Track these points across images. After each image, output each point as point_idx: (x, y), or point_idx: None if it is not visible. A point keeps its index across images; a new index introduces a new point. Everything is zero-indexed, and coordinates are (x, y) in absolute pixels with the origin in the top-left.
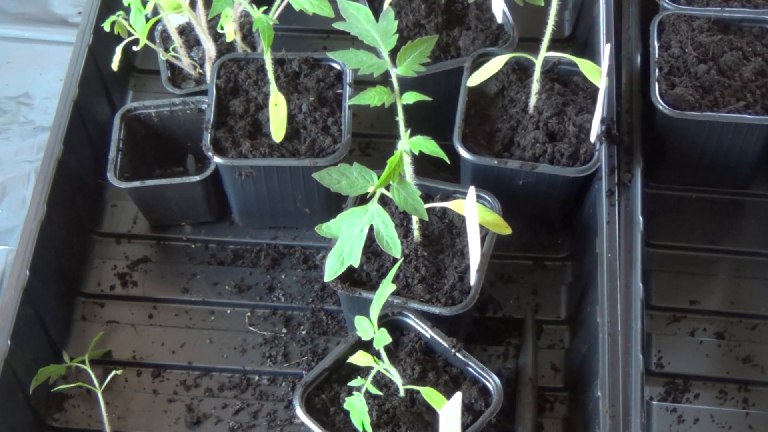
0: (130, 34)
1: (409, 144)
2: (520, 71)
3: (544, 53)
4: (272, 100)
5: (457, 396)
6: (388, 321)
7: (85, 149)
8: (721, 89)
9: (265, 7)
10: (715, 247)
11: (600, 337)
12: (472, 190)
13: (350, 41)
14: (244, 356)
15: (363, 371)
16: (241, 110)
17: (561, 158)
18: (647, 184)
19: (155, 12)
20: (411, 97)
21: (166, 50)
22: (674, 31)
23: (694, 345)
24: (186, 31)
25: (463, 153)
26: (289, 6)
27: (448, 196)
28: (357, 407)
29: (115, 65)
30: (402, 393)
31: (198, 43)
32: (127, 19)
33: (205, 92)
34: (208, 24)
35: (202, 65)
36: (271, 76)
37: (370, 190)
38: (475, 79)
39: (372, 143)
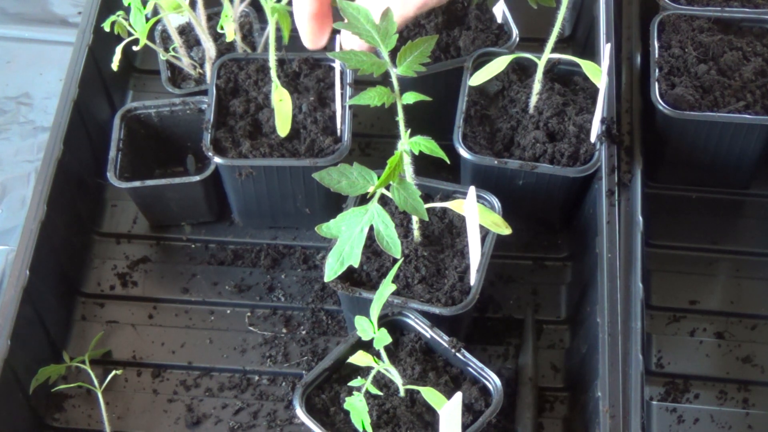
0: (130, 34)
1: (409, 144)
2: (520, 71)
3: (548, 54)
4: (276, 96)
5: (458, 396)
6: (388, 321)
7: (85, 149)
8: (721, 89)
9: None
10: (715, 247)
11: (600, 337)
12: (472, 190)
13: None
14: (244, 356)
15: (363, 371)
16: (241, 110)
17: (561, 158)
18: (647, 184)
19: (155, 12)
20: (411, 97)
21: (166, 50)
22: (674, 30)
23: (694, 345)
24: (186, 31)
25: (463, 153)
26: (288, 5)
27: (448, 196)
28: (357, 407)
29: (115, 65)
30: (402, 393)
31: (198, 43)
32: (127, 19)
33: (205, 92)
34: (208, 24)
35: (202, 65)
36: (273, 70)
37: (370, 190)
38: (478, 78)
39: (372, 143)
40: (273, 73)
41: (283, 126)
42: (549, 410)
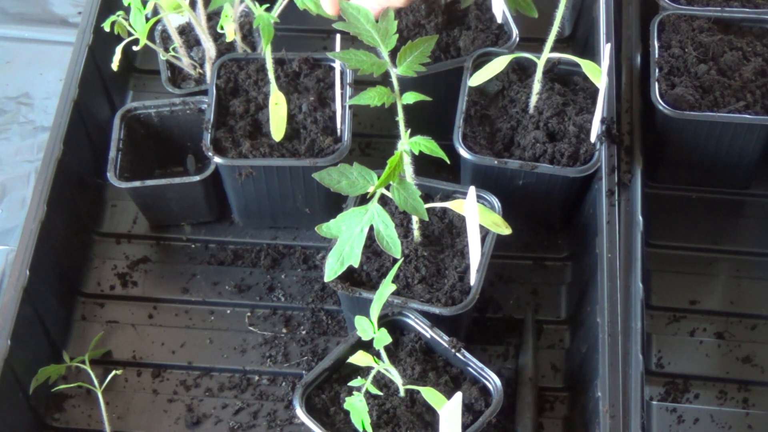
0: (130, 34)
1: (409, 144)
2: (520, 71)
3: (547, 53)
4: (272, 99)
5: (458, 396)
6: (388, 321)
7: (85, 149)
8: (721, 89)
9: (266, 6)
10: (715, 247)
11: (600, 337)
12: (472, 190)
13: (350, 41)
14: (244, 356)
15: (363, 371)
16: (241, 110)
17: (561, 158)
18: (647, 184)
19: (155, 12)
20: (411, 97)
21: (166, 50)
22: (674, 30)
23: (694, 345)
24: (186, 31)
25: (463, 153)
26: (289, 6)
27: (448, 196)
28: (357, 407)
29: (115, 65)
30: (402, 393)
31: (198, 43)
32: (127, 19)
33: (205, 92)
34: (208, 24)
35: (202, 65)
36: (271, 75)
37: (370, 190)
38: (478, 78)
39: (372, 143)
40: (270, 75)
41: (277, 130)
42: (549, 410)
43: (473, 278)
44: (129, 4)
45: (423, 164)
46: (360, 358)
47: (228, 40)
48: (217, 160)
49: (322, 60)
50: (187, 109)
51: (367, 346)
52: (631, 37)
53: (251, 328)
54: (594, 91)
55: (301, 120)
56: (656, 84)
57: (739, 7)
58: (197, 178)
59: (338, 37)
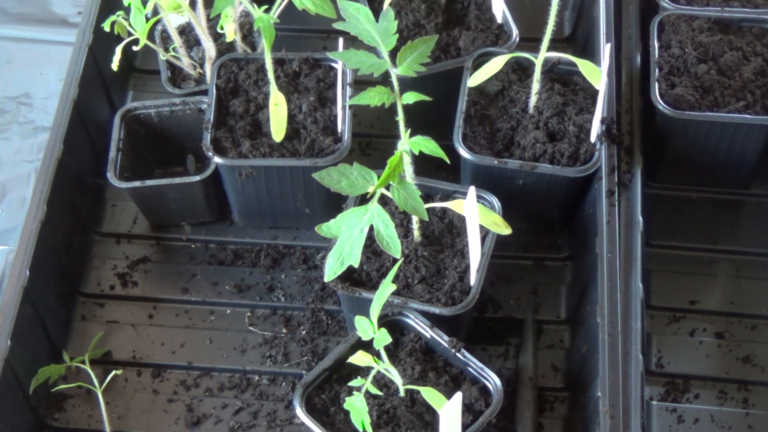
0: (130, 34)
1: (409, 144)
2: (520, 71)
3: (544, 53)
4: (272, 100)
5: (458, 396)
6: (388, 321)
7: (85, 149)
8: (721, 89)
9: (265, 6)
10: (715, 247)
11: (600, 337)
12: (472, 190)
13: (350, 41)
14: (244, 356)
15: (363, 371)
16: (241, 110)
17: (561, 158)
18: (647, 184)
19: (155, 12)
20: (411, 97)
21: (166, 50)
22: (674, 31)
23: (694, 345)
24: (186, 31)
25: (463, 153)
26: (289, 6)
27: (448, 196)
28: (357, 407)
29: (115, 65)
30: (402, 393)
31: (198, 43)
32: (127, 19)
33: (205, 92)
34: (208, 24)
35: (202, 65)
36: (271, 75)
37: (370, 190)
38: (476, 79)
39: (372, 143)
40: (270, 76)
41: (278, 131)
42: (549, 410)
43: (473, 278)
44: (129, 4)
45: (423, 164)
46: (360, 358)
47: (228, 40)
48: (217, 160)
49: (322, 60)
50: (187, 109)
51: (367, 346)
52: (631, 37)
53: (251, 328)
54: (594, 91)
55: (301, 120)
56: (656, 84)
57: (739, 7)
58: (197, 178)
59: (341, 40)
